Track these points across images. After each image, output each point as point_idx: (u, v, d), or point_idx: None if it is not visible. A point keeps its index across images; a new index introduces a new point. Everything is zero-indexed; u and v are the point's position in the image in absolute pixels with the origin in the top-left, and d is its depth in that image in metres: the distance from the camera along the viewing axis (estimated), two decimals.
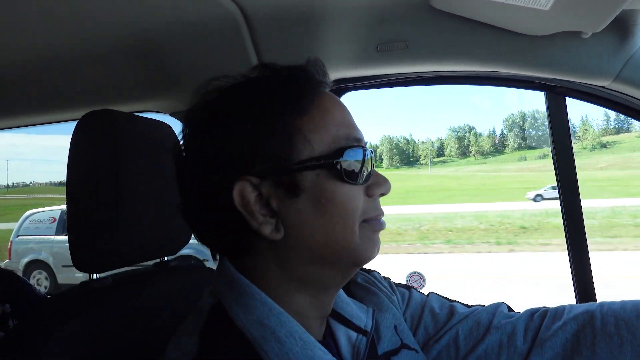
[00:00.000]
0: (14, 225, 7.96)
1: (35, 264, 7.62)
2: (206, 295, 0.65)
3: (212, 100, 0.64)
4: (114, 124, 0.82)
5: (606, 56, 1.04)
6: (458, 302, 0.86)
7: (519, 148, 55.19)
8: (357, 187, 0.62)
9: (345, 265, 0.64)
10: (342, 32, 1.12)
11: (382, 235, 0.67)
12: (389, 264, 9.12)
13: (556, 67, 1.10)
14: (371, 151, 0.64)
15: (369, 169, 0.63)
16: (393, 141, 67.63)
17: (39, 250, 7.59)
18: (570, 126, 1.31)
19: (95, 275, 0.83)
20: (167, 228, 0.92)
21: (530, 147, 54.07)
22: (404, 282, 0.89)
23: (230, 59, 1.18)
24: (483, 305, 0.84)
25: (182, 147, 0.65)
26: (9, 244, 7.77)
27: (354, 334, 0.69)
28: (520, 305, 0.86)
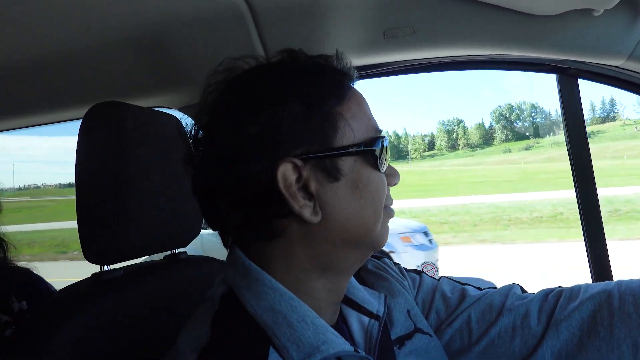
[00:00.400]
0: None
1: None
2: (217, 284, 0.65)
3: (246, 81, 0.63)
4: (122, 115, 0.82)
5: (619, 34, 1.02)
6: (470, 285, 0.84)
7: (506, 140, 55.20)
8: (382, 174, 0.64)
9: (366, 249, 0.66)
10: (348, 19, 1.11)
11: None
12: None
13: (568, 47, 1.07)
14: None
15: (388, 159, 0.66)
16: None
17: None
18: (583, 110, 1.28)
19: (106, 267, 0.83)
20: (177, 220, 0.92)
21: (517, 139, 54.09)
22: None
23: (235, 51, 1.17)
24: (495, 288, 0.83)
25: (201, 135, 0.64)
26: None
27: (366, 319, 0.69)
28: None
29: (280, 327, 0.57)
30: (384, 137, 0.65)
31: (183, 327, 0.62)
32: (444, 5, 1.09)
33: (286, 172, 0.58)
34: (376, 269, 0.83)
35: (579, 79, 1.22)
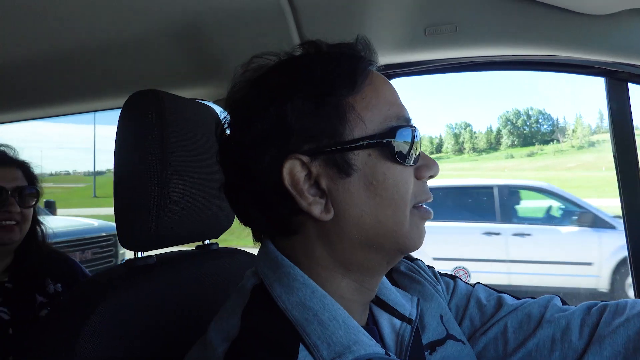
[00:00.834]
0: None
1: None
2: (248, 276, 0.64)
3: (260, 77, 0.63)
4: (161, 103, 0.82)
5: None
6: (507, 293, 0.81)
7: (512, 145, 53.97)
8: (407, 168, 0.60)
9: (391, 251, 0.62)
10: (389, 15, 1.09)
11: None
12: None
13: (619, 49, 1.02)
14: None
15: (418, 151, 0.61)
16: None
17: None
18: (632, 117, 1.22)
19: (140, 254, 0.85)
20: (211, 211, 0.92)
21: (523, 145, 52.85)
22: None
23: (274, 46, 1.17)
24: (534, 298, 0.80)
25: (226, 127, 0.65)
26: None
27: (397, 322, 0.67)
28: None
29: (310, 324, 0.56)
30: (410, 126, 0.60)
31: (214, 317, 0.62)
32: (488, 2, 1.05)
33: (292, 168, 0.57)
34: (409, 271, 0.80)
35: (629, 84, 1.16)
